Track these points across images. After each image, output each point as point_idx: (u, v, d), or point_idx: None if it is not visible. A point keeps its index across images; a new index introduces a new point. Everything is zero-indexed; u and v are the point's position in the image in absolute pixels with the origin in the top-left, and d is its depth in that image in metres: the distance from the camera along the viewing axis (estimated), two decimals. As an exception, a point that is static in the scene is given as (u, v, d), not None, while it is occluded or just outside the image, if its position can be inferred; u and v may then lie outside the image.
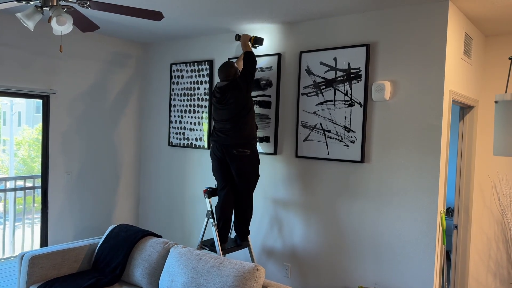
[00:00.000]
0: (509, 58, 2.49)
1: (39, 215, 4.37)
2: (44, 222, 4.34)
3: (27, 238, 4.71)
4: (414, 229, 3.14)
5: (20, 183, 4.64)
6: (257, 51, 4.04)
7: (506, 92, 2.41)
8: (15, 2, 2.38)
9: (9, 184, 4.63)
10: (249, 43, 3.80)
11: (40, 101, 4.27)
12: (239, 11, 3.49)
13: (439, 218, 3.08)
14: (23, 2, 2.41)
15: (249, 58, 3.56)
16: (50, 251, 3.25)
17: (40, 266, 3.15)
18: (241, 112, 3.43)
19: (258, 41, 3.80)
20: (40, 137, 4.27)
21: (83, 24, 2.81)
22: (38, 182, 4.49)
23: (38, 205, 4.77)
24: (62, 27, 2.33)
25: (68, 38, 4.43)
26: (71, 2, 2.42)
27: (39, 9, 2.38)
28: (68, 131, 4.47)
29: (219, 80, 4.33)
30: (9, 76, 4.00)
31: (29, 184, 4.67)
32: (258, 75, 4.03)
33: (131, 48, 5.01)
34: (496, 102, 2.38)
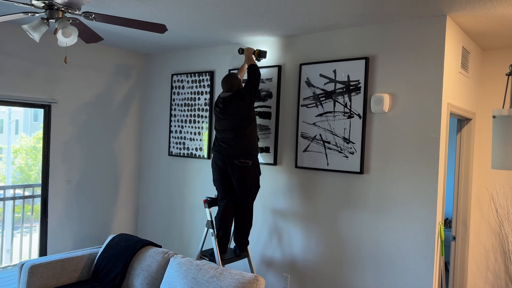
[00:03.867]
0: (507, 74, 2.53)
1: (36, 224, 4.37)
2: (43, 231, 4.33)
3: (25, 247, 4.69)
4: (413, 240, 3.17)
5: (18, 191, 4.63)
6: (258, 62, 4.08)
7: (503, 107, 2.46)
8: (21, 14, 2.42)
9: (7, 193, 4.62)
10: (253, 56, 3.85)
11: (38, 109, 4.29)
12: (240, 24, 3.54)
13: (438, 229, 3.11)
14: (29, 14, 2.45)
15: (254, 71, 3.61)
16: (50, 260, 3.25)
17: (39, 275, 3.15)
18: (243, 122, 3.46)
19: (261, 54, 3.85)
20: (38, 145, 4.31)
21: (87, 36, 2.85)
22: (37, 191, 4.49)
23: (36, 213, 4.76)
24: (68, 38, 2.36)
25: (70, 49, 4.47)
26: (76, 14, 2.46)
27: (45, 21, 2.42)
28: (69, 140, 4.49)
29: (220, 91, 4.38)
30: (12, 86, 4.02)
31: (27, 193, 4.67)
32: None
33: (132, 58, 5.05)
34: (494, 117, 2.42)
